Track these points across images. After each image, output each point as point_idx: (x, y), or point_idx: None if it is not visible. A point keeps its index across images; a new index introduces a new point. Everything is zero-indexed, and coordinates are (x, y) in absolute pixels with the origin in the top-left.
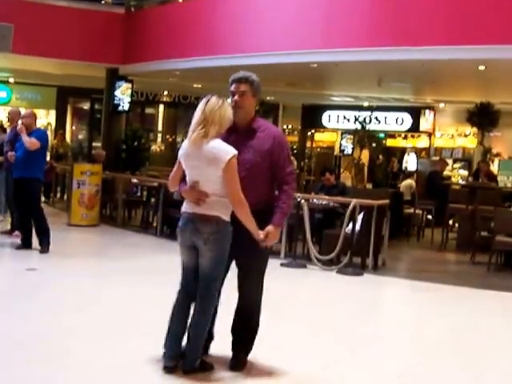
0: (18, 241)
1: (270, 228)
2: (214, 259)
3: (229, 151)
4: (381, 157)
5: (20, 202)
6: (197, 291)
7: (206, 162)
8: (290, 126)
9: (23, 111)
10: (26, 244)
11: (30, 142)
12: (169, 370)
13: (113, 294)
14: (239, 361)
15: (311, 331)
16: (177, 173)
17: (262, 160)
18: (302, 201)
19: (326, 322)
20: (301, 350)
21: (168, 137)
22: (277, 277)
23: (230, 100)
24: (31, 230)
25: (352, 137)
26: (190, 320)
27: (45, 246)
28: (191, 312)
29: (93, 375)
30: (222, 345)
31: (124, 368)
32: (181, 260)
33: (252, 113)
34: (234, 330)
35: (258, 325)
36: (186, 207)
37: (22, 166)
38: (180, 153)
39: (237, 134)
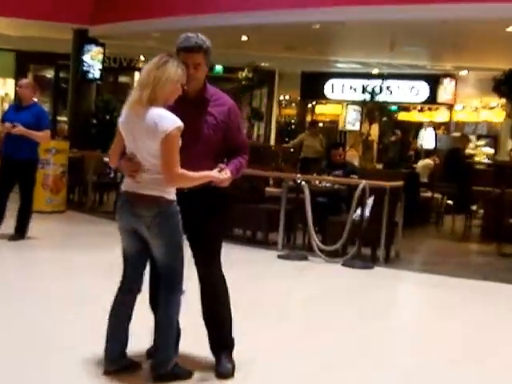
0: None
1: (224, 167)
2: (165, 246)
3: (172, 121)
4: (399, 132)
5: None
6: (140, 283)
7: (145, 131)
8: (287, 97)
9: None
10: (22, 234)
11: (42, 137)
12: (108, 374)
13: (80, 288)
14: (226, 365)
15: (310, 332)
16: (117, 145)
17: (214, 133)
18: (303, 183)
19: (328, 321)
20: (297, 353)
21: None
22: (273, 270)
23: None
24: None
25: (360, 109)
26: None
27: (22, 234)
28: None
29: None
30: (195, 343)
31: (75, 370)
32: (121, 247)
33: (203, 81)
34: (206, 321)
35: (230, 310)
36: (124, 185)
37: (18, 145)
38: (119, 121)
39: (187, 105)
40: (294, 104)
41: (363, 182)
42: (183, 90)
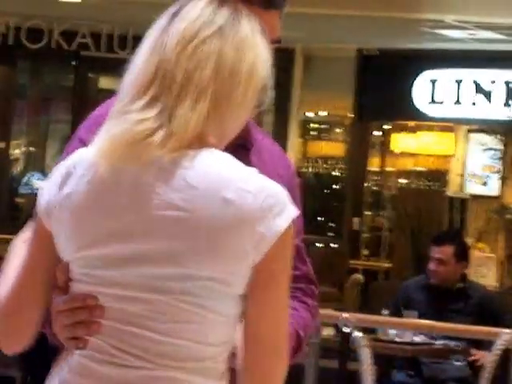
0: None
1: None
2: None
3: (284, 203)
4: None
5: None
6: None
7: (196, 232)
8: (323, 114)
9: None
10: None
11: None
12: None
13: None
14: None
15: None
16: (28, 276)
17: None
18: (355, 332)
19: None
20: None
21: None
22: None
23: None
24: None
25: (501, 144)
26: None
27: None
28: None
29: None
30: None
31: None
32: None
33: None
34: None
35: None
36: None
37: None
38: (42, 202)
39: None
40: (338, 130)
41: (509, 333)
42: None
